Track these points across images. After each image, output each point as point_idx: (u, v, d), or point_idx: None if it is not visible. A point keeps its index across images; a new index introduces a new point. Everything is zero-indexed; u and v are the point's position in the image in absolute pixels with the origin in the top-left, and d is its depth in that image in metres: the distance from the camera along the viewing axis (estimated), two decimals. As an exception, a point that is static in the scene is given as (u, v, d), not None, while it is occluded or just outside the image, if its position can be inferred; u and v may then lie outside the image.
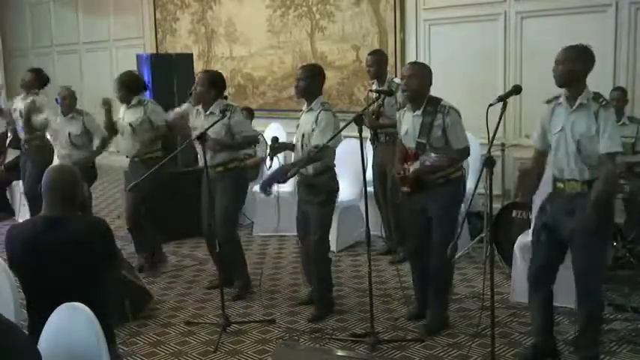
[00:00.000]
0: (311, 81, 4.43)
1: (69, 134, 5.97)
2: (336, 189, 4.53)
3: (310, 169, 4.41)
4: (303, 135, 4.43)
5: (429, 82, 4.13)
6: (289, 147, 4.64)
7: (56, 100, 6.10)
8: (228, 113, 4.60)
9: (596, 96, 3.45)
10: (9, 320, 2.21)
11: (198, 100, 4.86)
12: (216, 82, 4.81)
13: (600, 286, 3.60)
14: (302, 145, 4.43)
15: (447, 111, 4.01)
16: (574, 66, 3.40)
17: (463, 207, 4.37)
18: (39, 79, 6.51)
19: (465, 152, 4.10)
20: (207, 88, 4.77)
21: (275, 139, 4.54)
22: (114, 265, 3.03)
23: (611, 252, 3.69)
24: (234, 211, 4.96)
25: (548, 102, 3.61)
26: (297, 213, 4.66)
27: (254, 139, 5.09)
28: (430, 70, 4.18)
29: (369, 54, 5.77)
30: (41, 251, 2.82)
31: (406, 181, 4.15)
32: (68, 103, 6.02)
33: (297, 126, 4.54)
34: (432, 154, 3.97)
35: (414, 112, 4.11)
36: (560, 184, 3.56)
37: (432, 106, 4.05)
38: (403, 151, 4.23)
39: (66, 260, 2.81)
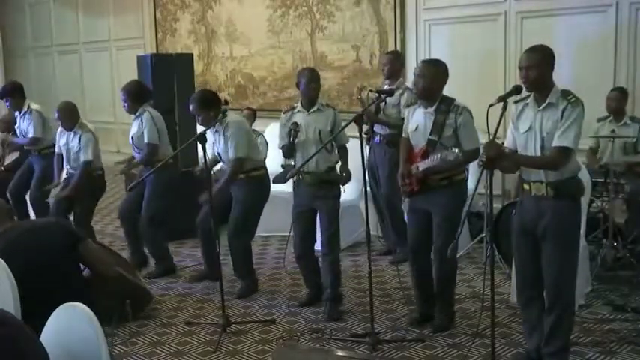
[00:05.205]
0: (319, 85, 4.57)
1: (69, 151, 5.67)
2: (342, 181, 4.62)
3: (323, 166, 4.47)
4: (319, 132, 4.45)
5: (441, 80, 4.10)
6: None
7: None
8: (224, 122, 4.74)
9: (565, 93, 3.38)
10: (15, 317, 2.21)
11: (204, 125, 4.80)
12: (207, 102, 4.79)
13: (573, 288, 3.49)
14: (320, 141, 4.42)
15: (459, 111, 4.01)
16: (541, 69, 3.35)
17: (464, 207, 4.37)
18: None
19: (476, 154, 3.98)
20: (203, 111, 4.76)
21: (295, 124, 4.52)
22: (86, 249, 2.95)
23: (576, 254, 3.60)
24: (251, 220, 4.95)
25: (517, 102, 3.54)
26: (300, 215, 4.61)
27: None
28: (444, 68, 4.12)
29: (385, 54, 6.03)
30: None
31: (413, 179, 4.11)
32: (62, 118, 5.62)
33: (305, 124, 4.51)
34: (446, 152, 3.92)
35: (426, 108, 4.10)
36: (526, 186, 3.49)
37: (445, 105, 4.05)
38: (408, 150, 4.21)
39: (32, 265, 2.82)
